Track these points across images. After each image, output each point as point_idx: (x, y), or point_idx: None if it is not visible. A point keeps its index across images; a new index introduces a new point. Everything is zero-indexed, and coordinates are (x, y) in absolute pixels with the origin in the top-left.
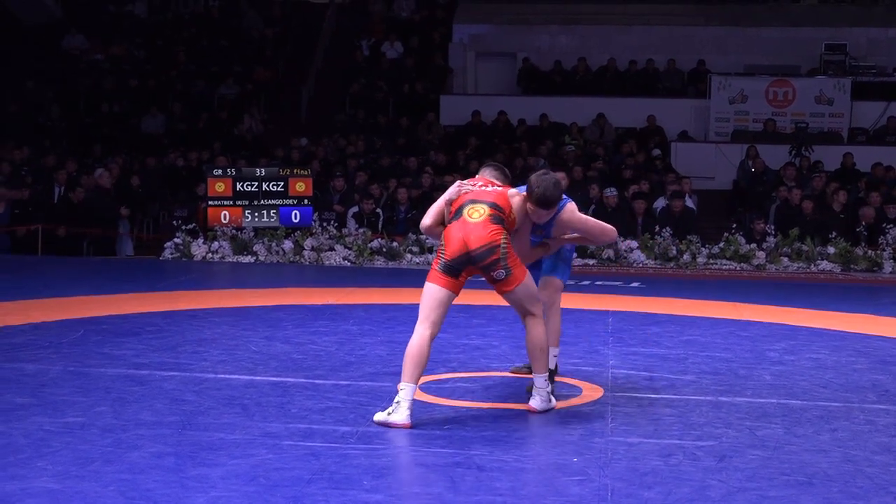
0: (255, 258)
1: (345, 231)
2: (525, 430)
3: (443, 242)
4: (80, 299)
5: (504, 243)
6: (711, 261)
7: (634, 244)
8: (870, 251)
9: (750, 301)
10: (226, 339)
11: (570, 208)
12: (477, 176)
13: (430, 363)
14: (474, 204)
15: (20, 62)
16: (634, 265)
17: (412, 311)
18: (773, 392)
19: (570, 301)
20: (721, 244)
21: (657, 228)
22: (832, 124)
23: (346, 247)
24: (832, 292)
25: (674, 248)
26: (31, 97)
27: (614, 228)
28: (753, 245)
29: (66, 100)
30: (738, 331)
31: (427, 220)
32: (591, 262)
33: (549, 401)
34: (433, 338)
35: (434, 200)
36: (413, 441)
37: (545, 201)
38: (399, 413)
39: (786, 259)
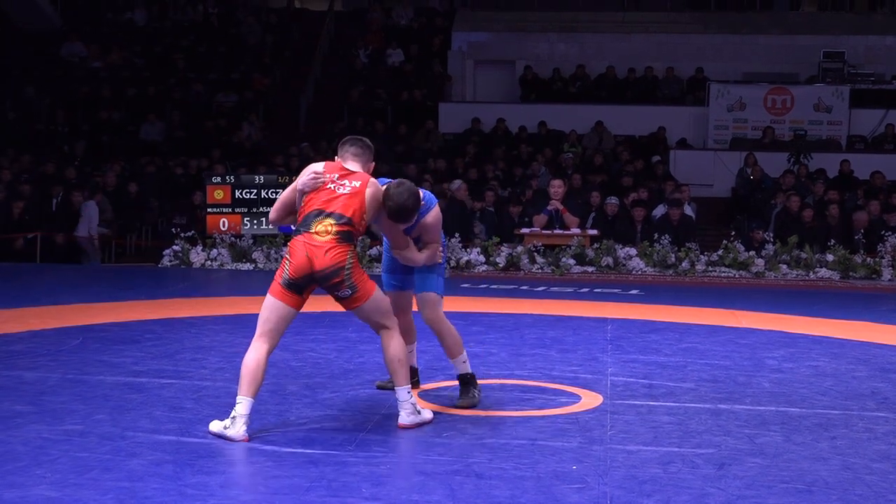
0: (253, 266)
1: None
2: (524, 438)
3: (288, 256)
4: (79, 307)
5: (349, 263)
6: (710, 268)
7: (633, 251)
8: (869, 259)
9: (749, 309)
10: (224, 346)
11: (437, 211)
12: (337, 158)
13: (428, 370)
14: (322, 217)
15: (19, 69)
16: (633, 272)
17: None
18: (772, 400)
19: (569, 308)
20: (720, 252)
21: (656, 236)
22: (831, 132)
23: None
24: (831, 300)
25: (673, 255)
26: (29, 105)
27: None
28: (752, 252)
29: (64, 107)
30: (737, 338)
31: (273, 214)
32: (591, 269)
33: (417, 413)
34: (270, 353)
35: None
36: (412, 449)
37: (398, 215)
38: (236, 427)
39: (785, 266)
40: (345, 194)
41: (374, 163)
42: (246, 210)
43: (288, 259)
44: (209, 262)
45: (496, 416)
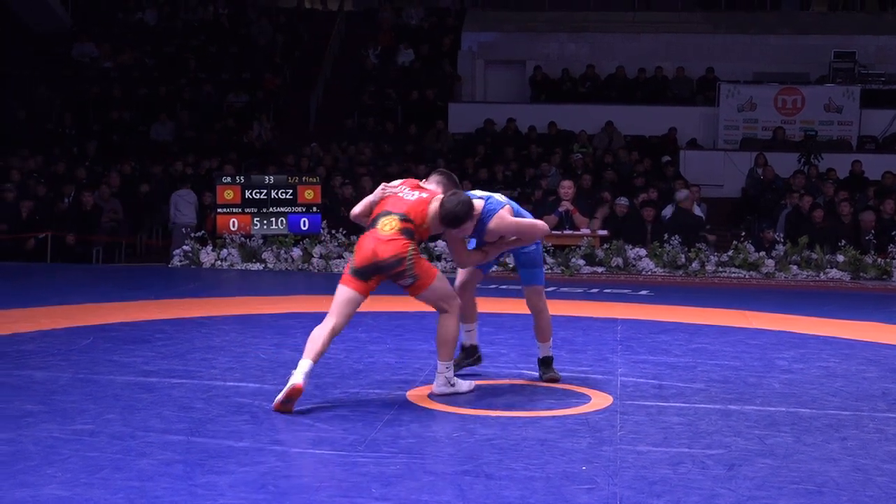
0: (263, 266)
1: (353, 239)
2: (534, 439)
3: (354, 249)
4: (90, 307)
5: (410, 254)
6: (720, 269)
7: (643, 252)
8: (879, 259)
9: (759, 309)
10: (234, 346)
11: (500, 215)
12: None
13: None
14: (388, 216)
15: (30, 70)
16: (643, 273)
17: (421, 318)
18: (782, 400)
19: (579, 309)
20: (730, 252)
21: (665, 236)
22: (841, 132)
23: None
24: (841, 301)
25: (682, 255)
26: (40, 105)
27: (545, 223)
28: (762, 253)
29: (75, 107)
30: (748, 339)
31: (356, 209)
32: (601, 269)
33: (450, 385)
34: (337, 331)
35: None
36: (422, 449)
37: (450, 221)
38: (294, 377)
39: (795, 267)
40: (412, 200)
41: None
42: (256, 210)
43: (354, 252)
44: (219, 263)
45: (506, 416)
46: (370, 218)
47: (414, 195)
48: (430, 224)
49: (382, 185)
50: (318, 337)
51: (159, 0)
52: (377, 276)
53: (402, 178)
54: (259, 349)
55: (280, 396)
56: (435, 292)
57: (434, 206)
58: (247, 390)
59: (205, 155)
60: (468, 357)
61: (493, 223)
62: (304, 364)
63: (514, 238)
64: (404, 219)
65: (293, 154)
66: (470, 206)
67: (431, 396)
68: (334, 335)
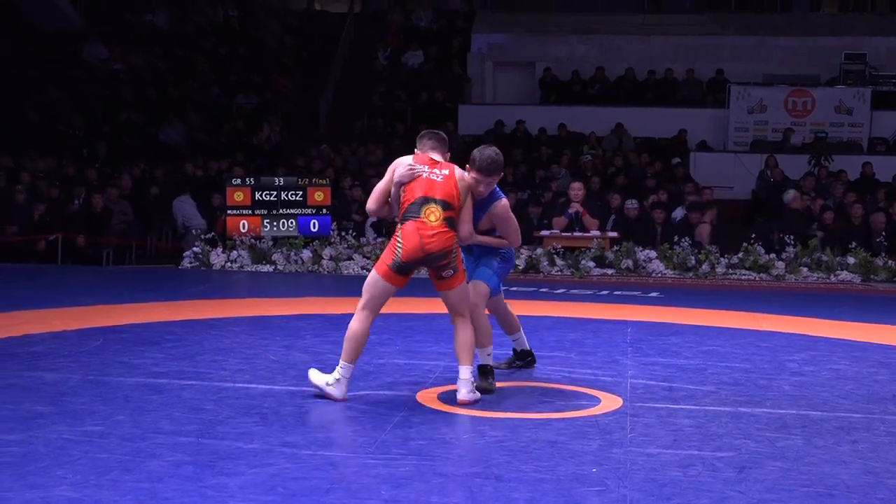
0: (273, 267)
1: (363, 240)
2: (543, 441)
3: (400, 240)
4: (100, 308)
5: (455, 247)
6: (730, 271)
7: (653, 254)
8: (890, 261)
9: (769, 311)
10: (244, 348)
11: (506, 203)
12: (418, 153)
13: (448, 373)
14: (431, 204)
15: (40, 71)
16: (653, 275)
17: (431, 320)
18: (792, 403)
19: (589, 311)
20: (740, 254)
21: (676, 238)
22: (852, 134)
23: (364, 256)
24: (852, 303)
25: (693, 257)
26: (51, 106)
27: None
28: (772, 255)
29: (85, 109)
30: (758, 341)
31: (373, 205)
32: (610, 271)
33: (474, 392)
34: (371, 323)
35: None
36: (431, 451)
37: (488, 168)
38: (340, 389)
39: (805, 269)
40: (442, 183)
41: (450, 153)
42: (266, 212)
43: (400, 243)
44: (229, 264)
45: (516, 418)
46: (403, 204)
47: (438, 175)
48: (463, 200)
49: (408, 165)
50: (359, 336)
51: (169, 2)
52: (418, 267)
53: None
54: (269, 351)
55: (319, 387)
56: (462, 292)
57: (458, 174)
58: (257, 392)
59: (214, 157)
60: (520, 359)
61: (500, 206)
62: (349, 370)
63: (498, 235)
64: (447, 206)
65: (303, 156)
66: (502, 160)
67: (461, 405)
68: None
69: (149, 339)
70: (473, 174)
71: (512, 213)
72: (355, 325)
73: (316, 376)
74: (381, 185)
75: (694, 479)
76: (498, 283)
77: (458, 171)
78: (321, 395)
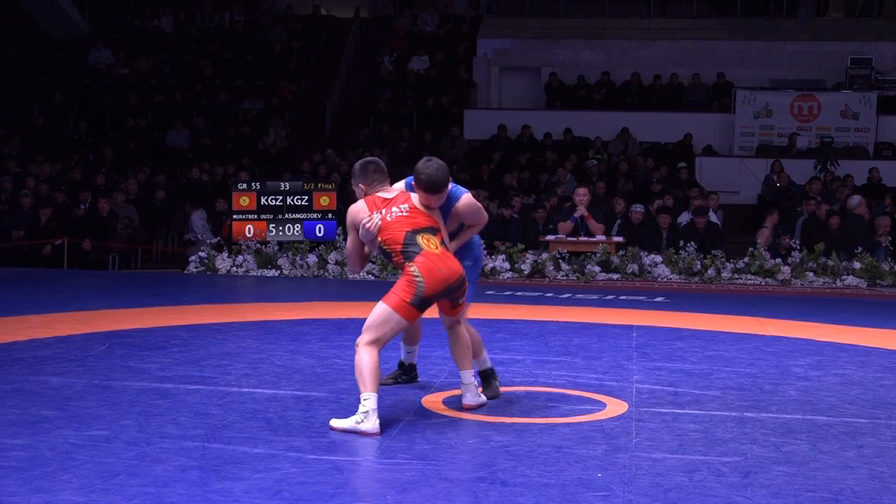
0: (279, 272)
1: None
2: (549, 446)
3: (419, 276)
4: (106, 312)
5: (463, 272)
6: (736, 276)
7: (659, 259)
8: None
9: (775, 316)
10: (250, 352)
11: (468, 196)
12: (363, 190)
13: (453, 378)
14: (422, 233)
15: (47, 76)
16: (659, 280)
17: (436, 325)
18: (798, 408)
19: (594, 316)
20: (746, 259)
21: (681, 243)
22: (858, 139)
23: (369, 261)
24: (858, 307)
25: (698, 262)
26: (57, 111)
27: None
28: (778, 260)
29: (91, 114)
30: (764, 346)
31: (356, 266)
32: (616, 276)
33: (479, 396)
34: None
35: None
36: (437, 456)
37: (433, 186)
38: (371, 422)
39: (811, 274)
40: (407, 215)
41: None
42: (271, 217)
43: (420, 280)
44: (235, 269)
45: (521, 423)
46: (393, 248)
47: (402, 210)
48: (438, 217)
49: (363, 220)
50: (374, 368)
51: (175, 7)
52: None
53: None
54: (274, 356)
55: (350, 429)
56: (463, 307)
57: (416, 198)
58: (262, 396)
59: (220, 162)
60: (405, 374)
61: (462, 202)
62: (373, 400)
63: (469, 226)
64: (434, 230)
65: (308, 161)
66: (446, 169)
67: (467, 409)
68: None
69: (154, 344)
70: (421, 194)
71: (475, 200)
72: (369, 359)
73: (341, 423)
74: (351, 246)
75: (699, 484)
76: (474, 291)
77: (412, 196)
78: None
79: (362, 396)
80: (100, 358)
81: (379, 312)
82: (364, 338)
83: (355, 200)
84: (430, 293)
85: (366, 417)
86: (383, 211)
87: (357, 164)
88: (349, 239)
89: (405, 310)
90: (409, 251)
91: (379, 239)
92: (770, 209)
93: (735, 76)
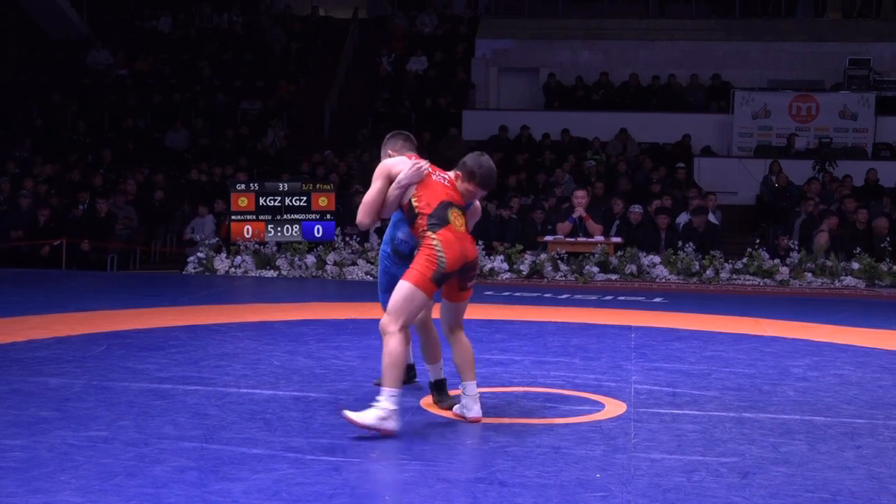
0: (277, 273)
1: (367, 246)
2: (547, 446)
3: (441, 250)
4: (104, 313)
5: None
6: (734, 276)
7: (657, 259)
8: (894, 267)
9: (773, 317)
10: (248, 353)
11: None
12: (391, 153)
13: (452, 378)
14: (454, 208)
15: (45, 77)
16: (657, 280)
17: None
18: (796, 408)
19: (593, 316)
20: (744, 260)
21: (680, 244)
22: (856, 139)
23: (368, 261)
24: (856, 308)
25: (697, 263)
26: (56, 112)
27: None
28: (777, 260)
29: (90, 115)
30: (762, 347)
31: (367, 218)
32: (614, 277)
33: (479, 409)
34: None
35: None
36: (435, 456)
37: (490, 180)
38: (394, 420)
39: (809, 275)
40: (449, 186)
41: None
42: (270, 217)
43: (441, 252)
44: (233, 270)
45: (520, 423)
46: (422, 210)
47: (445, 179)
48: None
49: (415, 163)
50: (403, 362)
51: (174, 8)
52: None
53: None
54: (273, 356)
55: (372, 425)
56: (467, 304)
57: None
58: (261, 397)
59: (219, 162)
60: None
61: (478, 203)
62: (398, 397)
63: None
64: (463, 211)
65: (307, 161)
66: (491, 160)
67: (471, 422)
68: None
69: (153, 345)
70: (470, 187)
71: None
72: (399, 348)
73: (362, 418)
74: (373, 196)
75: (698, 485)
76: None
77: (453, 178)
78: (372, 427)
79: (388, 392)
80: (98, 358)
81: (403, 291)
82: (392, 323)
83: (354, 203)
84: (449, 269)
85: (390, 416)
86: (436, 173)
87: (390, 134)
88: (373, 189)
89: (427, 285)
90: (435, 221)
91: (414, 195)
92: (826, 214)
93: (733, 77)
